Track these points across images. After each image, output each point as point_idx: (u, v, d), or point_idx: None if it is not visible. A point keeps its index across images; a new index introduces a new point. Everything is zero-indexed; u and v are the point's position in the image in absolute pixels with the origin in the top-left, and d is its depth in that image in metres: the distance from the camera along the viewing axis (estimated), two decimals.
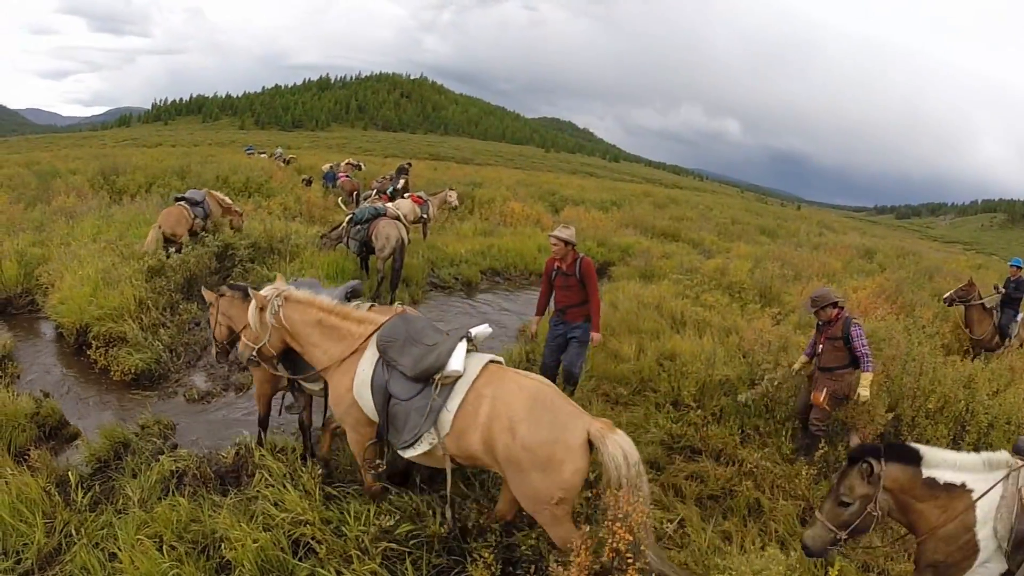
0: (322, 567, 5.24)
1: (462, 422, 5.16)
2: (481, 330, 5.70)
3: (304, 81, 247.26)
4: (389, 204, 16.15)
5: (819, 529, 4.90)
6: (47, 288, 12.53)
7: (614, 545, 4.49)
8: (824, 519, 4.87)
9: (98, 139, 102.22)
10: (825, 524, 4.85)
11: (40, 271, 13.12)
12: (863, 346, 7.92)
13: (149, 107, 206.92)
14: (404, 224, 14.31)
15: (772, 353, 9.84)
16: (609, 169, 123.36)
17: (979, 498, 4.71)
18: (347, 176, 29.52)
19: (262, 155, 44.76)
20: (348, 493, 6.09)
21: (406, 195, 20.05)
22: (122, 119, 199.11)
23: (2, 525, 5.87)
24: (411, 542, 5.52)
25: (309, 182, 29.50)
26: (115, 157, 33.41)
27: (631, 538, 4.51)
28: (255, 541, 5.32)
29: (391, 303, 13.12)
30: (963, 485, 4.76)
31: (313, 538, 5.49)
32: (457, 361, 5.28)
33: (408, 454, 5.46)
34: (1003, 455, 4.84)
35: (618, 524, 4.54)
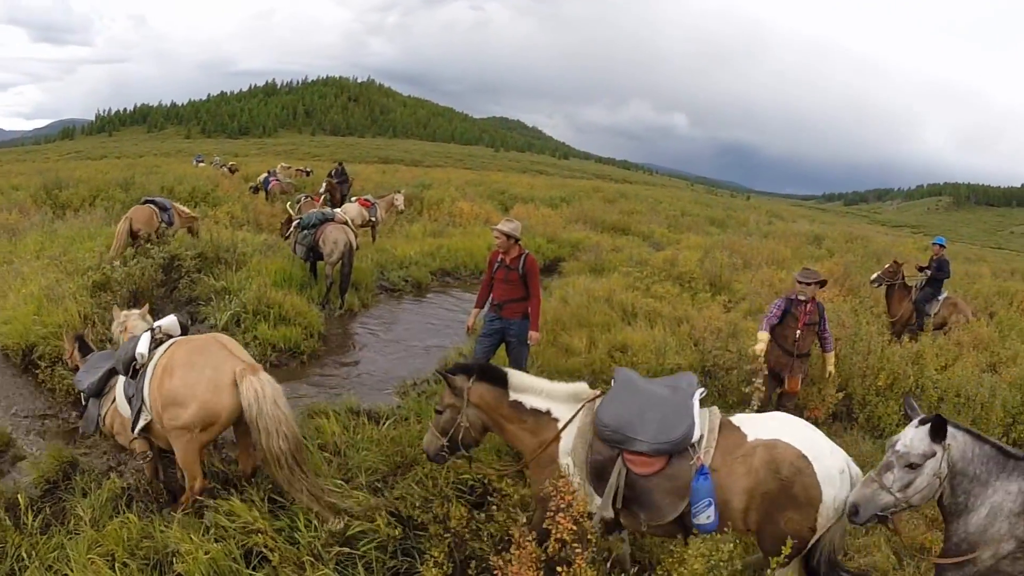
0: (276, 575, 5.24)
1: (154, 394, 5.93)
2: (167, 321, 6.55)
3: (250, 87, 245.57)
4: (337, 209, 16.30)
5: (429, 436, 5.62)
6: None
7: (558, 536, 4.52)
8: (432, 426, 5.57)
9: (41, 153, 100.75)
10: (432, 431, 5.56)
11: None
12: (827, 327, 8.34)
13: (93, 118, 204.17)
14: (352, 229, 14.30)
15: (722, 340, 10.00)
16: (559, 167, 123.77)
17: (564, 427, 5.20)
18: (277, 180, 29.90)
19: (215, 163, 44.50)
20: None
21: (352, 199, 19.99)
22: (65, 131, 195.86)
23: None
24: (363, 545, 5.54)
25: (256, 190, 29.32)
26: (58, 171, 32.84)
27: (575, 528, 4.55)
28: (207, 553, 5.27)
29: (341, 307, 13.46)
30: (548, 412, 5.30)
31: (265, 546, 5.45)
32: (142, 347, 6.21)
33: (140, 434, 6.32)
34: (583, 386, 5.45)
35: (561, 515, 4.57)
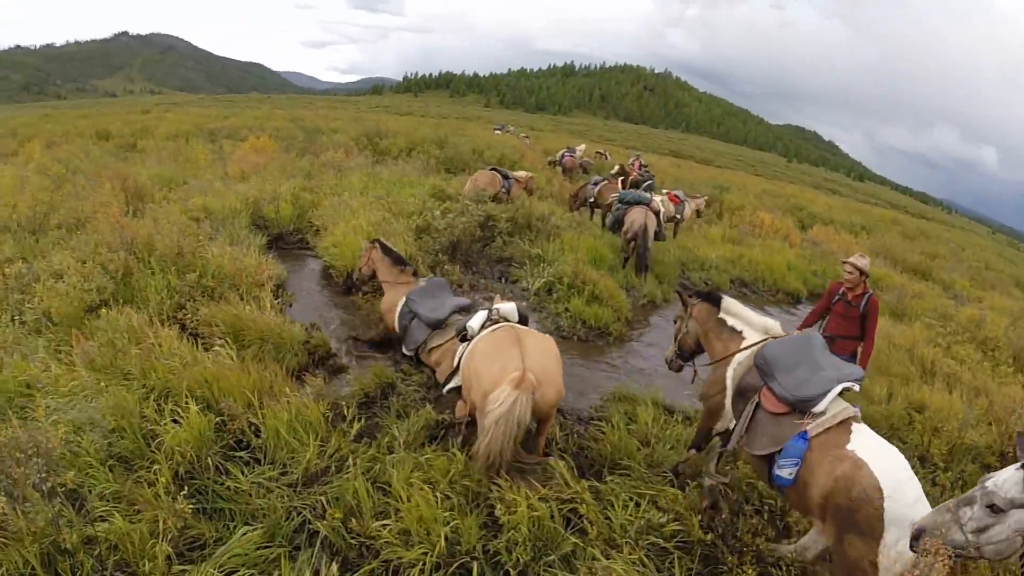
0: (586, 548, 5.38)
1: (463, 366, 6.80)
2: (506, 306, 7.17)
3: (549, 66, 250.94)
4: (657, 197, 16.79)
5: (668, 351, 7.45)
6: (318, 230, 13.55)
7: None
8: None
9: (353, 104, 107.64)
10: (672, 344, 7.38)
11: (312, 215, 14.28)
12: None
13: (400, 79, 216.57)
14: (657, 217, 14.80)
15: None
16: (853, 188, 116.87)
17: (744, 347, 6.28)
18: (572, 156, 30.65)
19: (510, 132, 45.90)
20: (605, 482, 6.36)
21: (664, 191, 19.96)
22: (375, 88, 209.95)
23: (277, 439, 6.35)
24: (671, 542, 5.61)
25: (553, 163, 30.13)
26: (372, 121, 35.06)
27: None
28: (532, 509, 5.48)
29: (642, 295, 13.69)
30: (740, 333, 6.47)
31: (585, 517, 5.63)
32: (475, 323, 7.00)
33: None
34: (775, 324, 6.42)
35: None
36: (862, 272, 8.26)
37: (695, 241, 19.58)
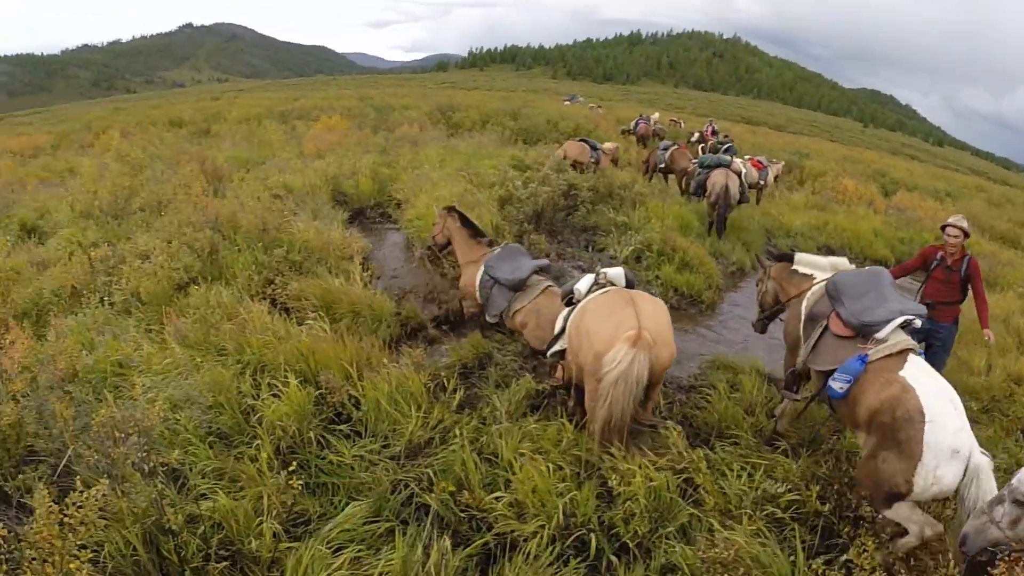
0: (702, 519, 5.19)
1: (571, 328, 6.43)
2: (614, 271, 6.87)
3: (615, 35, 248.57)
4: (738, 159, 16.76)
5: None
6: (399, 204, 13.53)
7: None
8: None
9: (419, 82, 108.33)
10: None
11: (392, 188, 14.29)
12: None
13: (465, 55, 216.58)
14: (740, 179, 14.69)
15: None
16: (931, 153, 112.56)
17: (815, 284, 6.73)
18: (645, 123, 30.51)
19: (579, 103, 45.78)
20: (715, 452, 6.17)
21: (747, 157, 19.56)
22: (439, 65, 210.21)
23: (378, 411, 6.20)
24: (787, 512, 5.36)
25: (627, 132, 29.95)
26: (443, 96, 34.99)
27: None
28: (649, 479, 5.26)
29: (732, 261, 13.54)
30: (811, 276, 6.92)
31: (702, 487, 5.40)
32: (582, 285, 6.74)
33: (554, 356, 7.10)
34: (843, 260, 6.85)
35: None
36: (966, 234, 7.88)
37: (779, 208, 19.16)
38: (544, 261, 8.45)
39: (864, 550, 4.72)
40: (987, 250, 19.04)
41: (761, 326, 7.91)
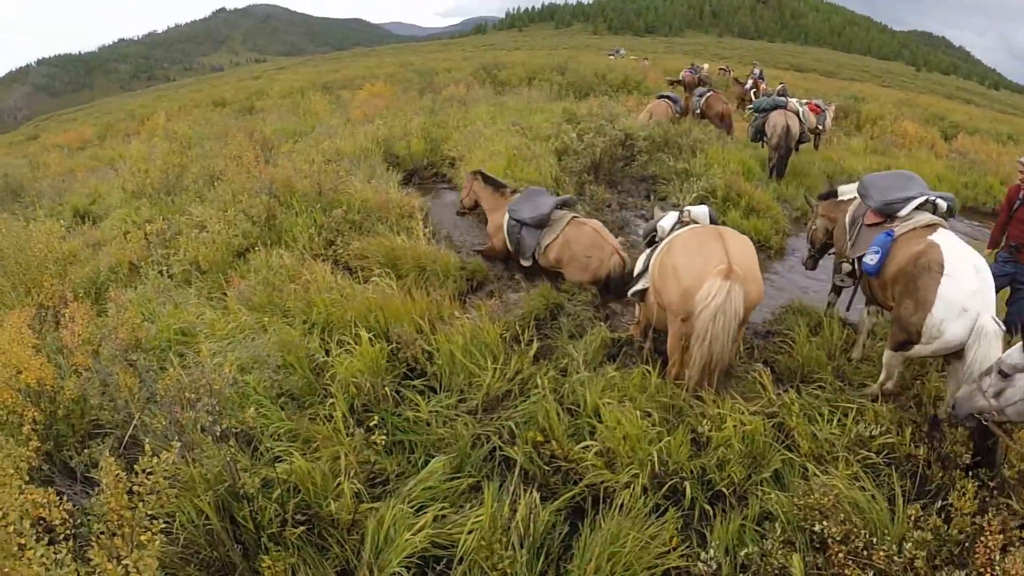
0: (794, 464, 5.01)
1: (655, 266, 6.23)
2: (698, 209, 6.75)
3: None
4: (794, 99, 16.28)
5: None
6: (453, 162, 13.46)
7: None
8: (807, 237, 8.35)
9: (458, 45, 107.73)
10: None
11: (445, 147, 14.23)
12: None
13: (503, 16, 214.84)
14: (799, 118, 14.58)
15: None
16: (988, 97, 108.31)
17: (849, 200, 7.20)
18: (690, 72, 29.97)
19: (622, 56, 45.48)
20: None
21: (803, 102, 19.03)
22: (477, 28, 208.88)
23: (452, 364, 6.03)
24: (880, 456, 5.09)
25: (674, 82, 29.50)
26: (487, 57, 34.79)
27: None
28: (742, 424, 5.08)
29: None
30: (854, 197, 7.09)
31: (795, 431, 5.22)
32: (665, 223, 6.66)
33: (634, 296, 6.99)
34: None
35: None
36: None
37: (839, 153, 18.68)
38: (566, 196, 8.72)
39: (964, 493, 4.41)
40: None
41: (812, 263, 8.33)
